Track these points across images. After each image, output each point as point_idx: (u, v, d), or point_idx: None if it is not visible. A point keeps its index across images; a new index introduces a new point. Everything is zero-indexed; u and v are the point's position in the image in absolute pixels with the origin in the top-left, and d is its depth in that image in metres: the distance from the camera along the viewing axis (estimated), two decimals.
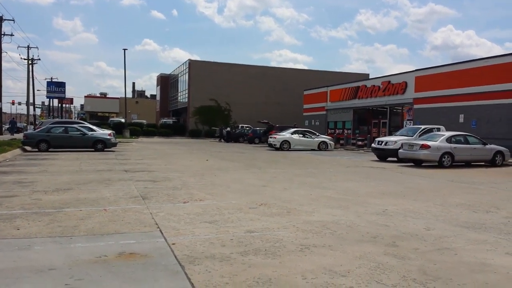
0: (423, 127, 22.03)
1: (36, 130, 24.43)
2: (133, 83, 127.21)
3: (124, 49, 45.36)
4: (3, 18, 41.45)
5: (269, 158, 21.42)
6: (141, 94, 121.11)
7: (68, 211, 7.34)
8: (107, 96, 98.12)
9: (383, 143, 21.09)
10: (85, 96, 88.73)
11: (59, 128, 22.93)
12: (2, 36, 41.21)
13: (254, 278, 4.25)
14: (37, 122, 52.65)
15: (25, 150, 21.88)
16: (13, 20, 45.59)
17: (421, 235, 6.17)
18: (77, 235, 5.83)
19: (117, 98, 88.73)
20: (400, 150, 18.70)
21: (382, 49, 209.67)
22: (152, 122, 66.12)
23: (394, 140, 20.67)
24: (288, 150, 28.12)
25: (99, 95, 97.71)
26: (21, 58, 57.02)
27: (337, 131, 39.66)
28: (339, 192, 10.18)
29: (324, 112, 41.99)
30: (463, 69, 27.19)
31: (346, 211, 7.78)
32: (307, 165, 17.98)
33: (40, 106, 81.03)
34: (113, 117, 72.51)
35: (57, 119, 41.62)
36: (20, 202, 8.07)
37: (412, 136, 20.88)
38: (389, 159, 20.89)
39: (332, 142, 30.22)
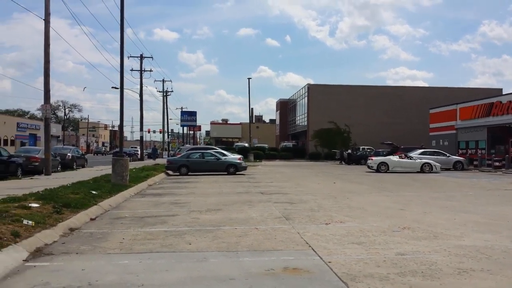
0: None
1: (178, 156, 27.09)
2: (252, 109, 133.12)
3: (249, 78, 48.28)
4: (143, 56, 46.83)
5: (399, 181, 20.89)
6: (259, 119, 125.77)
7: (225, 229, 8.20)
8: (228, 122, 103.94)
9: None
10: (211, 123, 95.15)
11: (196, 154, 25.19)
12: (143, 72, 46.66)
13: None
14: (171, 149, 57.86)
15: (168, 174, 24.35)
16: (151, 58, 51.37)
17: None
18: (240, 250, 6.54)
19: (239, 124, 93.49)
20: None
21: (511, 60, 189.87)
22: (271, 145, 68.26)
23: None
24: (385, 172, 26.96)
25: (220, 122, 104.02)
26: (157, 91, 63.64)
27: (470, 151, 36.95)
28: (485, 216, 9.72)
29: (454, 131, 39.46)
30: None
31: (499, 236, 7.47)
32: (442, 188, 17.21)
33: (170, 133, 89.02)
34: (236, 142, 76.42)
35: (191, 146, 45.30)
36: (182, 220, 9.20)
37: None
38: None
39: (437, 164, 27.67)
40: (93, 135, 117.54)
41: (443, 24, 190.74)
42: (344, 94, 55.99)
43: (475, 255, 6.16)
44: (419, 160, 27.98)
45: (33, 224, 7.32)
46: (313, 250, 6.53)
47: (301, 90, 62.77)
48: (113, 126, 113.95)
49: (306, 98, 58.49)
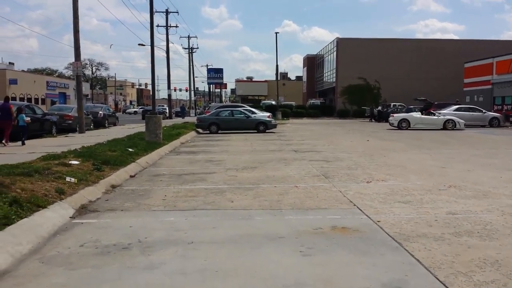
0: None
1: (207, 114, 27.02)
2: (277, 66, 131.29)
3: (276, 33, 46.95)
4: (169, 11, 46.03)
5: (435, 138, 20.31)
6: (284, 76, 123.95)
7: (264, 187, 8.11)
8: (253, 79, 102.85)
9: None
10: (236, 81, 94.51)
11: (225, 112, 25.06)
12: (169, 28, 46.01)
13: (479, 259, 4.24)
14: (198, 107, 57.85)
15: (198, 132, 24.40)
16: (177, 12, 50.68)
17: None
18: (284, 208, 6.44)
19: (265, 81, 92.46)
20: None
21: None
22: (298, 103, 67.41)
23: None
24: (407, 129, 26.15)
25: (245, 79, 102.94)
26: (183, 48, 63.16)
27: (506, 107, 35.59)
28: None
29: (490, 86, 37.93)
30: None
31: None
32: (481, 145, 16.65)
33: (196, 91, 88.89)
34: (263, 99, 75.84)
35: (218, 104, 45.17)
36: (220, 178, 9.16)
37: None
38: None
39: (461, 121, 26.49)
40: (121, 94, 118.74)
41: None
42: (374, 48, 54.14)
43: None
44: (442, 117, 27.02)
45: (76, 181, 7.38)
46: (359, 209, 6.37)
47: (329, 44, 61.07)
48: (140, 85, 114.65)
49: (334, 53, 56.93)
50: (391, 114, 29.94)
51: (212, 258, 4.33)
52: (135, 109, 70.60)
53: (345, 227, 5.44)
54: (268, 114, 26.88)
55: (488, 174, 9.47)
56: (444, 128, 25.98)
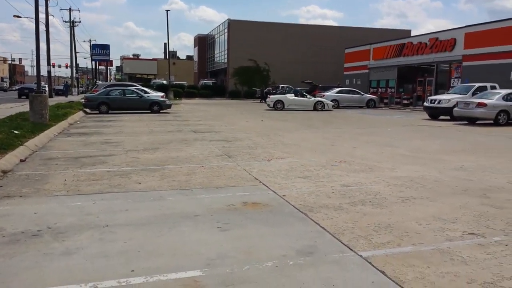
0: (477, 85, 21.76)
1: (96, 93, 25.51)
2: (165, 44, 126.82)
3: (167, 10, 45.82)
4: None
5: (321, 118, 21.83)
6: (173, 55, 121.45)
7: (170, 168, 8.13)
8: (140, 57, 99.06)
9: (436, 102, 21.10)
10: (122, 58, 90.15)
11: (116, 91, 23.95)
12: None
13: (374, 224, 4.87)
14: (80, 85, 54.19)
15: (86, 112, 23.06)
16: None
17: (507, 188, 6.63)
18: (194, 188, 6.58)
19: (154, 59, 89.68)
20: (455, 109, 18.75)
21: (414, 3, 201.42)
22: (189, 83, 66.73)
23: (447, 98, 20.65)
24: (281, 109, 27.94)
25: (132, 57, 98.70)
26: (64, 21, 58.32)
27: (380, 90, 39.32)
28: (409, 150, 10.63)
29: (367, 71, 41.50)
30: None
31: (426, 167, 8.27)
32: (363, 124, 18.35)
33: (79, 68, 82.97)
34: (152, 78, 73.60)
35: (104, 82, 42.80)
36: (121, 160, 8.93)
37: (466, 94, 20.76)
38: (441, 117, 20.98)
39: (329, 102, 28.98)
40: None
41: None
42: (264, 31, 55.57)
43: (411, 185, 6.80)
44: (312, 98, 29.14)
45: None
46: (265, 185, 6.76)
47: (220, 25, 61.20)
48: (13, 60, 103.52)
49: (226, 34, 57.27)
50: (268, 96, 31.33)
51: (131, 240, 4.34)
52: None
53: (255, 202, 5.78)
54: (161, 94, 26.37)
55: (372, 150, 10.58)
56: (315, 109, 27.93)
